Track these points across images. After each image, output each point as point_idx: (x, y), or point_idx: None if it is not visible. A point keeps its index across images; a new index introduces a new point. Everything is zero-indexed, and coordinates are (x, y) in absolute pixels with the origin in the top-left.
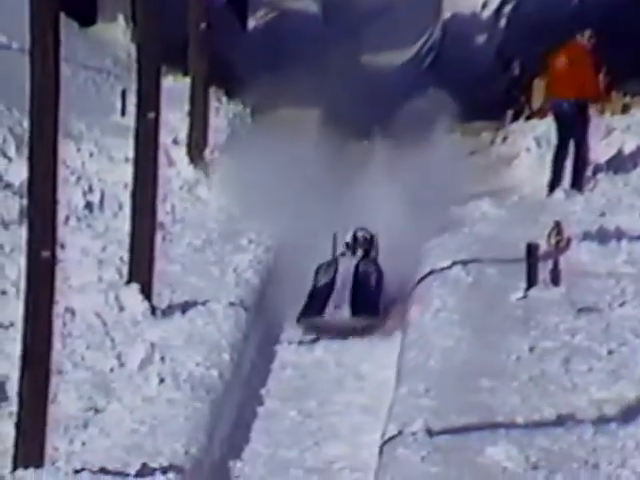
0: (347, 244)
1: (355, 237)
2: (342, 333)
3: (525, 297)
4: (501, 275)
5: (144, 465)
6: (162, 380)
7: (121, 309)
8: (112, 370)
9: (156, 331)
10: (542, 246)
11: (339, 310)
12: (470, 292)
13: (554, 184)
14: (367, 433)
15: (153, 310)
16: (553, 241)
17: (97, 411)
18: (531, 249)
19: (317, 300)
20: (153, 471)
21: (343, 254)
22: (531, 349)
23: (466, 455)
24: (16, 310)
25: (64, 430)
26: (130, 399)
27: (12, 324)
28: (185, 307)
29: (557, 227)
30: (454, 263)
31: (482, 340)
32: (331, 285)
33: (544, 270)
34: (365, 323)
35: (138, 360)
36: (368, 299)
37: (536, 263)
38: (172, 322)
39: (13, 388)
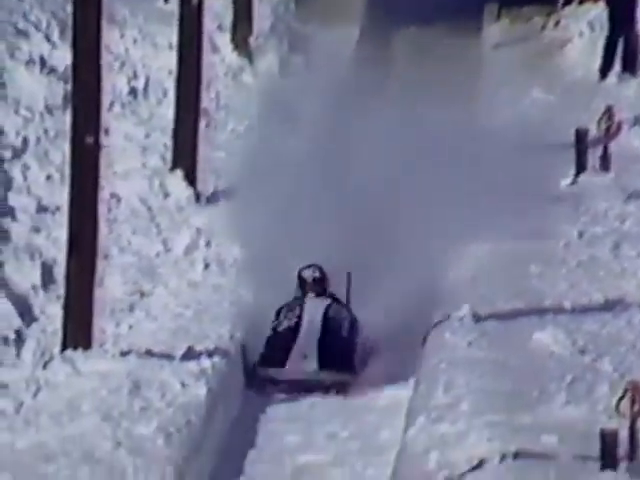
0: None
1: (302, 279)
2: (307, 389)
3: (574, 183)
4: (550, 161)
5: (190, 348)
6: (207, 265)
7: (166, 195)
8: (158, 255)
9: (201, 217)
10: (592, 131)
11: (305, 361)
12: (520, 178)
13: (606, 69)
14: None
15: (197, 196)
16: (604, 126)
17: (143, 295)
18: (581, 134)
19: (278, 347)
20: (199, 354)
21: (305, 294)
22: (580, 235)
23: (513, 340)
24: (61, 195)
25: (111, 313)
26: (176, 284)
27: (58, 209)
28: (229, 193)
29: (608, 112)
30: (500, 146)
31: (530, 226)
32: (295, 330)
33: (594, 156)
34: (335, 379)
35: (183, 245)
36: (340, 350)
37: (586, 149)
38: (216, 208)
39: (61, 272)
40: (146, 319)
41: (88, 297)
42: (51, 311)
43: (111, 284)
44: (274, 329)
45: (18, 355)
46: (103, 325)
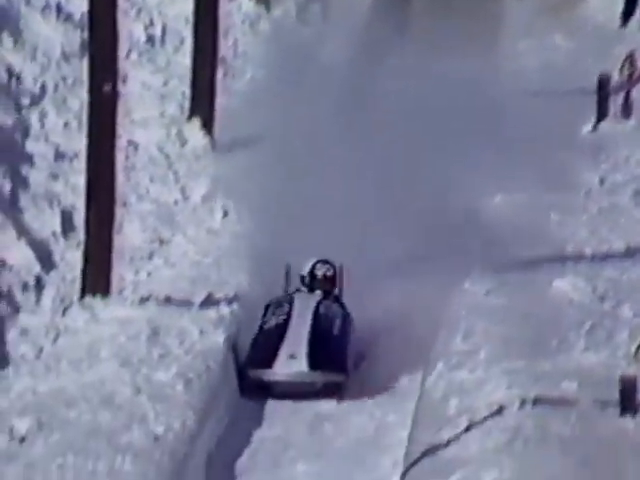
0: (302, 278)
1: (313, 274)
2: (296, 392)
3: (596, 130)
4: (571, 108)
5: (209, 295)
6: (226, 213)
7: (183, 143)
8: (176, 203)
9: (219, 165)
10: (614, 78)
11: (293, 361)
12: (540, 125)
13: (628, 15)
14: None
15: (215, 145)
16: (626, 73)
17: (162, 243)
18: (602, 81)
19: (265, 347)
20: (217, 302)
21: (298, 290)
22: (601, 182)
23: (533, 288)
24: (79, 142)
25: (130, 260)
26: (194, 231)
27: (76, 155)
28: (247, 142)
29: (630, 58)
30: (522, 96)
31: (551, 174)
32: (283, 328)
33: (615, 103)
34: (327, 380)
35: (201, 194)
36: (332, 349)
37: (607, 95)
38: (235, 156)
39: (80, 219)
40: (165, 266)
41: (107, 244)
42: (70, 258)
43: (130, 231)
44: (261, 327)
45: (38, 301)
46: (122, 272)
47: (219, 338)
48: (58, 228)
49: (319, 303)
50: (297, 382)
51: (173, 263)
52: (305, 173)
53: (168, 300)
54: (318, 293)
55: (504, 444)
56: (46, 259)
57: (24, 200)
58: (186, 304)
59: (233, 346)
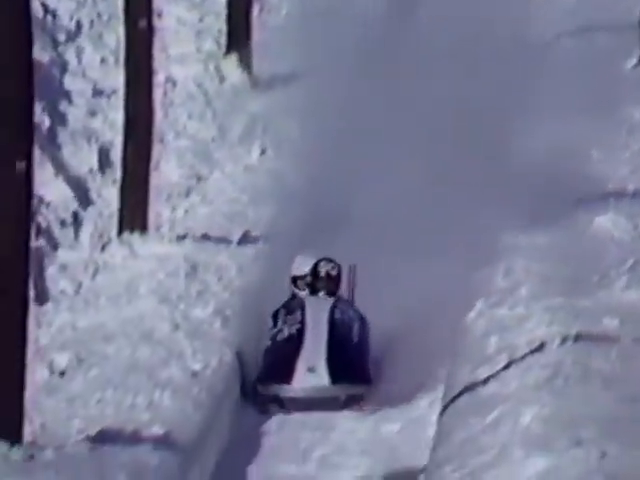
0: (295, 280)
1: (316, 273)
2: (317, 406)
3: (639, 65)
4: (615, 43)
5: (246, 232)
6: (263, 151)
7: (221, 80)
8: (214, 140)
9: (256, 102)
10: None
11: (313, 375)
12: (581, 61)
13: None
14: None
15: (253, 81)
16: None
17: (199, 179)
18: None
19: (280, 360)
20: (255, 239)
21: (294, 296)
22: None
23: (574, 225)
24: (117, 78)
25: (167, 197)
26: (231, 168)
27: (114, 92)
28: (285, 79)
29: None
30: (563, 32)
31: (593, 111)
32: (298, 338)
33: None
34: (349, 393)
35: (239, 130)
36: (352, 359)
37: None
38: (272, 93)
39: (117, 155)
40: (202, 204)
41: (144, 181)
42: (107, 195)
43: (167, 168)
44: (273, 338)
45: (76, 238)
46: (159, 209)
47: (257, 275)
48: (95, 165)
49: (333, 308)
50: (318, 397)
51: (210, 200)
52: (344, 110)
53: (205, 237)
54: (329, 296)
55: (544, 381)
56: (83, 196)
57: (62, 137)
58: (224, 241)
59: (238, 354)
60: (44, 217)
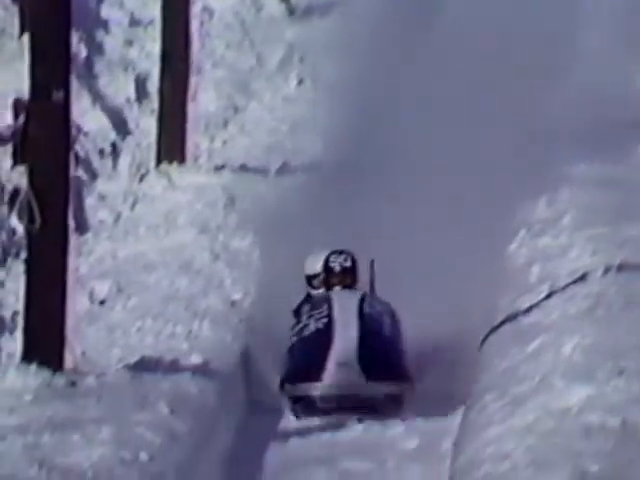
0: (309, 279)
1: (329, 267)
2: (352, 408)
3: None
4: None
5: (284, 163)
6: (301, 81)
7: (259, 9)
8: (251, 70)
9: (294, 32)
10: None
11: (345, 370)
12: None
13: None
14: None
15: (291, 11)
16: None
17: (237, 110)
18: None
19: (308, 357)
20: (293, 169)
21: (309, 296)
22: None
23: (618, 154)
24: (154, 8)
25: (205, 128)
26: (269, 99)
27: (151, 22)
28: (323, 8)
29: None
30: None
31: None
32: (327, 333)
33: None
34: (388, 392)
35: (277, 60)
36: (387, 353)
37: None
38: (310, 23)
39: (154, 85)
40: (240, 134)
41: (181, 111)
42: (145, 125)
43: (204, 99)
44: (298, 334)
45: (114, 168)
46: (197, 140)
47: (297, 205)
48: (132, 95)
49: (362, 301)
50: (354, 395)
51: (248, 131)
52: (383, 40)
53: (243, 168)
54: (357, 290)
55: (586, 310)
56: (121, 125)
57: (99, 66)
58: (262, 171)
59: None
60: (82, 147)
